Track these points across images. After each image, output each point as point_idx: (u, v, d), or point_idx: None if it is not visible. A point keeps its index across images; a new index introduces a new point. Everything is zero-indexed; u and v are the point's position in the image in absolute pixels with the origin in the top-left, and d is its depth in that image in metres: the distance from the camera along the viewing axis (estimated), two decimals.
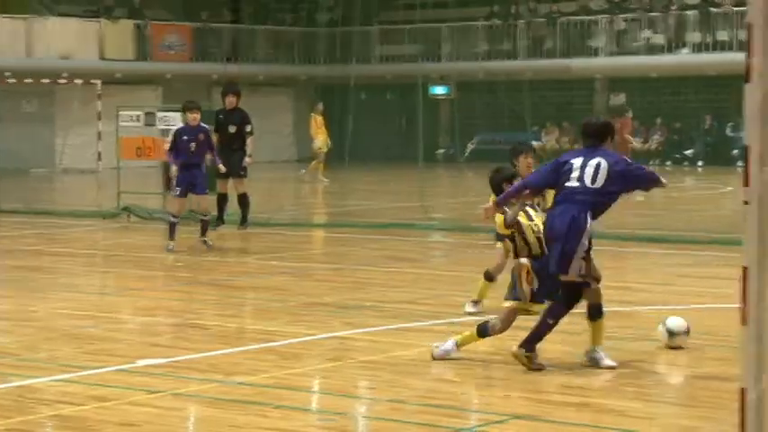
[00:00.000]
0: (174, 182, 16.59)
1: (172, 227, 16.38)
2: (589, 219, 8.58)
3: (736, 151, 36.59)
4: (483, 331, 8.99)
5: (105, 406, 7.73)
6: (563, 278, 8.58)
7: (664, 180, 8.97)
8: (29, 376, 8.61)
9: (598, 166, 8.64)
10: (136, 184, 23.61)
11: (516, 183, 9.02)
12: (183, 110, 17.17)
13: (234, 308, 12.02)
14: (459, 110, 43.75)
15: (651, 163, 36.91)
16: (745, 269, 4.62)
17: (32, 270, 14.95)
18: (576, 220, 8.54)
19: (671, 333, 9.41)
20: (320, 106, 34.06)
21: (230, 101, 18.77)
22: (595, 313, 8.88)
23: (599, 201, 8.64)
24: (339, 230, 20.08)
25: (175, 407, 7.80)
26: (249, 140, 18.48)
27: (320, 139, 33.36)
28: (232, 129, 18.09)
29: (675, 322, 9.47)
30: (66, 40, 38.46)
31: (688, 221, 19.83)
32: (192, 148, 16.45)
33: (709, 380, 8.52)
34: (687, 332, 9.41)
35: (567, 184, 8.64)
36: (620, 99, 41.53)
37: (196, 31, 42.96)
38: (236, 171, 17.97)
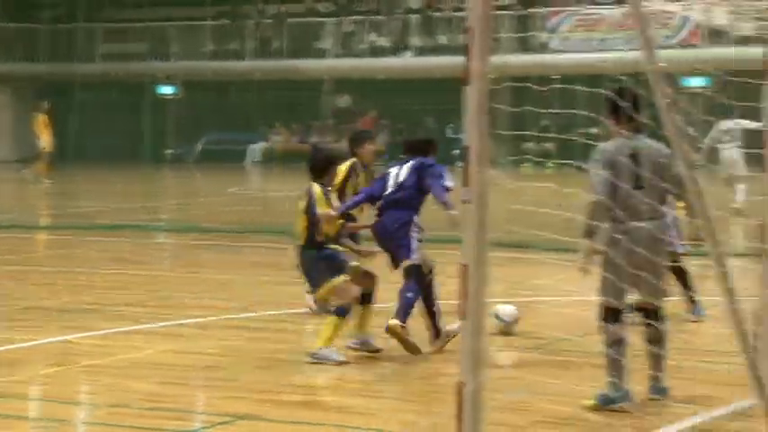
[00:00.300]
0: None
1: None
2: (410, 212, 9.50)
3: (456, 151, 37.64)
4: (342, 313, 9.03)
5: None
6: (408, 263, 9.38)
7: (451, 208, 9.22)
8: None
9: (408, 167, 9.62)
10: None
11: (358, 195, 9.89)
12: None
13: None
14: (188, 110, 43.35)
15: (375, 164, 37.44)
16: (464, 266, 4.72)
17: None
18: (398, 217, 9.48)
19: (501, 320, 9.90)
20: (45, 105, 33.08)
21: None
22: (340, 312, 9.01)
23: (408, 195, 9.52)
24: (61, 232, 19.51)
25: None
26: None
27: (44, 139, 32.40)
28: None
29: (506, 310, 9.98)
30: None
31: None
32: None
33: (431, 375, 8.69)
34: (517, 320, 10.00)
35: (385, 193, 9.61)
36: (345, 101, 42.08)
37: None
38: None
